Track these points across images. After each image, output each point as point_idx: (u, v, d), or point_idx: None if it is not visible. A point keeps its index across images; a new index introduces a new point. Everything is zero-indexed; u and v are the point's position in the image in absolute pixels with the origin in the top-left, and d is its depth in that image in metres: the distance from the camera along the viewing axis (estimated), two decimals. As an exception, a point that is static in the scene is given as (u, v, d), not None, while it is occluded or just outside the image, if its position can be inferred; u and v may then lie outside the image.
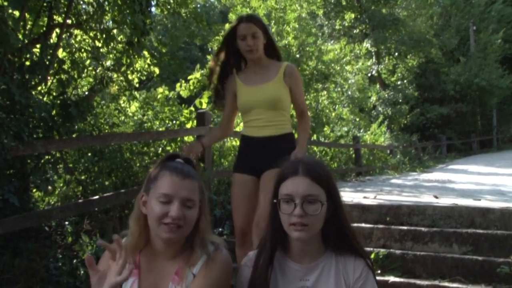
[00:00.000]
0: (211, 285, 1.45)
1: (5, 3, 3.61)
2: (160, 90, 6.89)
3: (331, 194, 1.44)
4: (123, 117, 6.17)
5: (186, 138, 5.61)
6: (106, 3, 5.16)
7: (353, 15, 20.64)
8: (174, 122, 6.26)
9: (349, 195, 5.94)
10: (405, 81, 20.71)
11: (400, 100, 19.70)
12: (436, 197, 5.35)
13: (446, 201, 4.92)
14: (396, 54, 20.87)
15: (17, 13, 4.10)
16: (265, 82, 2.55)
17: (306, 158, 1.50)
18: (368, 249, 3.68)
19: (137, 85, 6.48)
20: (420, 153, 15.95)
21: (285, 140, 2.58)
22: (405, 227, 4.02)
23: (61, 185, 4.99)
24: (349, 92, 14.39)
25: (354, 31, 20.96)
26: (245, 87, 2.61)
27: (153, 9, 7.50)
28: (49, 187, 4.49)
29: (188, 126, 6.09)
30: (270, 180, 2.12)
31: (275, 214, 1.46)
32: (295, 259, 1.48)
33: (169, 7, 6.85)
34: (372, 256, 3.52)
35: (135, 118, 6.23)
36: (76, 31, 5.49)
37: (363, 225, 4.21)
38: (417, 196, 5.76)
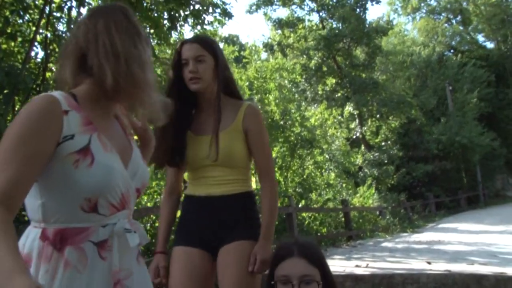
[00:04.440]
0: None
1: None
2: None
3: (324, 274, 1.51)
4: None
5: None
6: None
7: (334, 80, 21.44)
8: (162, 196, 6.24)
9: (341, 264, 5.86)
10: (389, 141, 21.14)
11: (386, 161, 19.98)
12: (428, 263, 5.31)
13: (439, 266, 4.89)
14: (378, 115, 21.46)
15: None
16: (219, 131, 1.91)
17: (300, 238, 1.58)
18: (364, 324, 3.59)
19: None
20: (409, 212, 15.93)
21: (242, 200, 1.94)
22: (400, 298, 3.95)
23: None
24: (333, 157, 14.56)
25: (336, 95, 21.66)
26: (194, 137, 1.97)
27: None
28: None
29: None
30: (239, 257, 1.83)
31: None
32: None
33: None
34: (369, 332, 3.44)
35: (123, 193, 6.19)
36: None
37: (357, 297, 4.13)
38: (409, 262, 5.71)
